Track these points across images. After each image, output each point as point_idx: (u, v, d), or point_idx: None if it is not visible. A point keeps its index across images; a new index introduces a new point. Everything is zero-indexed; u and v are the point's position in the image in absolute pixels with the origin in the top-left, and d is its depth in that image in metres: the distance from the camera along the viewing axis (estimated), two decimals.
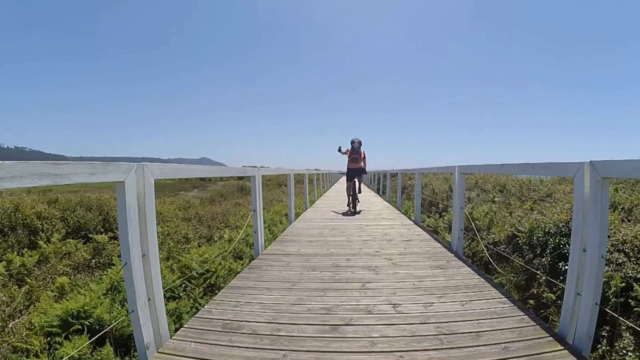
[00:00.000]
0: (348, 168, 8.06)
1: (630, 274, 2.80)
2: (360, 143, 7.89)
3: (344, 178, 8.34)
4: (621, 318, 2.36)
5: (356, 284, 3.00)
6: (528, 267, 3.67)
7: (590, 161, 1.87)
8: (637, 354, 2.29)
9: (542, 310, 3.13)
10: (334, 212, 8.07)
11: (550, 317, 2.98)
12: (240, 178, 21.00)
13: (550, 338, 1.98)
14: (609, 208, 2.07)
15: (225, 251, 4.54)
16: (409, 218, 7.08)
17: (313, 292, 2.80)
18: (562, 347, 1.87)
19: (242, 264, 4.33)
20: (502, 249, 4.47)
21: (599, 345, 2.45)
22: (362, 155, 7.94)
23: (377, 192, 15.40)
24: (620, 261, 2.97)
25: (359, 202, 8.31)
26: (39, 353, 2.44)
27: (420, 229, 5.70)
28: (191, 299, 3.44)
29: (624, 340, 2.38)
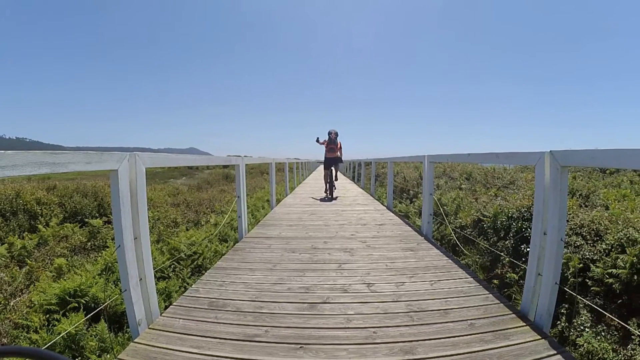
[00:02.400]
0: (325, 157, 7.93)
1: (587, 256, 2.84)
2: (336, 134, 7.80)
3: (322, 167, 8.24)
4: (579, 297, 2.39)
5: (333, 265, 2.96)
6: (492, 249, 3.70)
7: (551, 151, 1.85)
8: (594, 329, 2.32)
9: (506, 290, 3.16)
10: (313, 198, 7.98)
11: (513, 295, 3.00)
12: (225, 166, 20.68)
13: (513, 315, 1.98)
14: (568, 194, 2.06)
15: (212, 234, 4.48)
16: (382, 204, 7.04)
17: (293, 272, 2.76)
18: (524, 324, 1.87)
19: (227, 247, 4.26)
20: (468, 233, 4.51)
21: (559, 322, 2.47)
22: (339, 146, 7.85)
23: (353, 179, 15.27)
24: (578, 244, 3.01)
25: (335, 189, 8.22)
26: (38, 329, 2.43)
27: (393, 214, 5.68)
28: (180, 279, 3.40)
29: (582, 317, 2.42)
